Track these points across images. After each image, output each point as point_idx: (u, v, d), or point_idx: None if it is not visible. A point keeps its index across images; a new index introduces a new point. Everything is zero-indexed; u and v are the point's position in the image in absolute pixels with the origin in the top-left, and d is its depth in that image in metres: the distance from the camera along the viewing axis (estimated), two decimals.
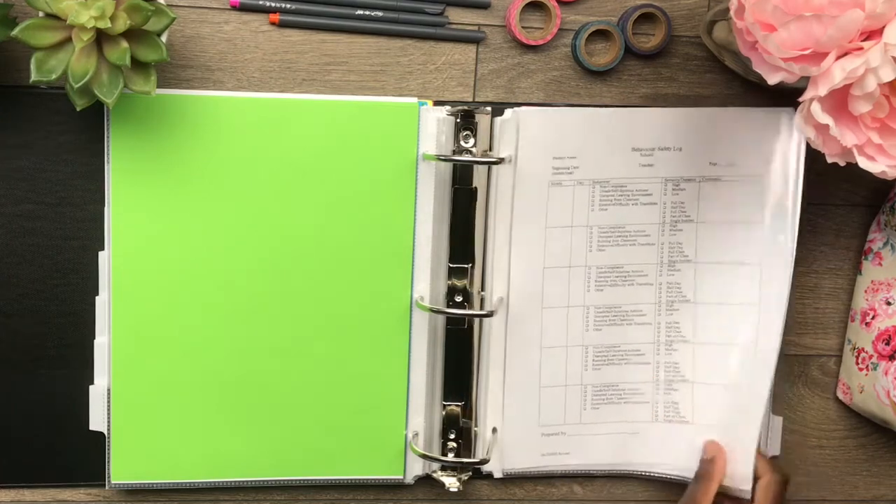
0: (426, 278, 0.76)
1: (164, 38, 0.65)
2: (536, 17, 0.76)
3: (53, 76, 0.63)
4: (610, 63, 0.76)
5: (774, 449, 0.83)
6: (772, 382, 0.78)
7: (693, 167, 0.77)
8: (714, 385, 0.79)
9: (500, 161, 0.74)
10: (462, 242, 0.77)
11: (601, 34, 0.77)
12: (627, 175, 0.77)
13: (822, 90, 0.60)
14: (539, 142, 0.75)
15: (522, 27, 0.76)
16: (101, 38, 0.63)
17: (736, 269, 0.78)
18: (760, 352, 0.78)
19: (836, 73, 0.59)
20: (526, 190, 0.76)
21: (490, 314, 0.75)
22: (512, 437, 0.79)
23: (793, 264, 0.77)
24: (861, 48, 0.60)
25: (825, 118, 0.61)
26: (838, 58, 0.60)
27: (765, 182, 0.77)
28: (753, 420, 0.77)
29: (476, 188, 0.76)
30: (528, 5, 0.75)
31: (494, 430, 0.79)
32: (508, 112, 0.75)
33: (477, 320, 0.78)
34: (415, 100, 0.75)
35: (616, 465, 0.81)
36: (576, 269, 0.78)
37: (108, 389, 0.74)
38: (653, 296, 0.79)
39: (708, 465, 0.78)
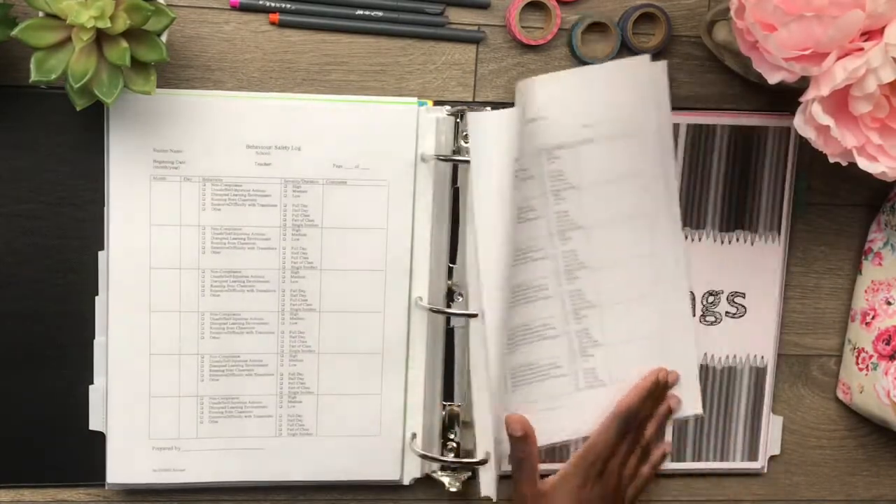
0: (425, 278, 0.76)
1: (164, 38, 0.65)
2: (536, 17, 0.76)
3: (53, 76, 0.63)
4: (607, 56, 0.76)
5: (774, 449, 0.84)
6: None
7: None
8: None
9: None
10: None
11: (599, 32, 0.77)
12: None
13: (825, 90, 0.60)
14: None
15: (522, 27, 0.76)
16: (101, 38, 0.63)
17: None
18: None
19: (839, 73, 0.59)
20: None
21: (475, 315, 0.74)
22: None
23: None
24: (861, 48, 0.60)
25: (826, 119, 0.61)
26: (839, 58, 0.60)
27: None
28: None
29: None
30: (528, 5, 0.75)
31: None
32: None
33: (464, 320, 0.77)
34: (415, 100, 0.75)
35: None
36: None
37: (108, 389, 0.74)
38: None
39: (521, 443, 0.76)
